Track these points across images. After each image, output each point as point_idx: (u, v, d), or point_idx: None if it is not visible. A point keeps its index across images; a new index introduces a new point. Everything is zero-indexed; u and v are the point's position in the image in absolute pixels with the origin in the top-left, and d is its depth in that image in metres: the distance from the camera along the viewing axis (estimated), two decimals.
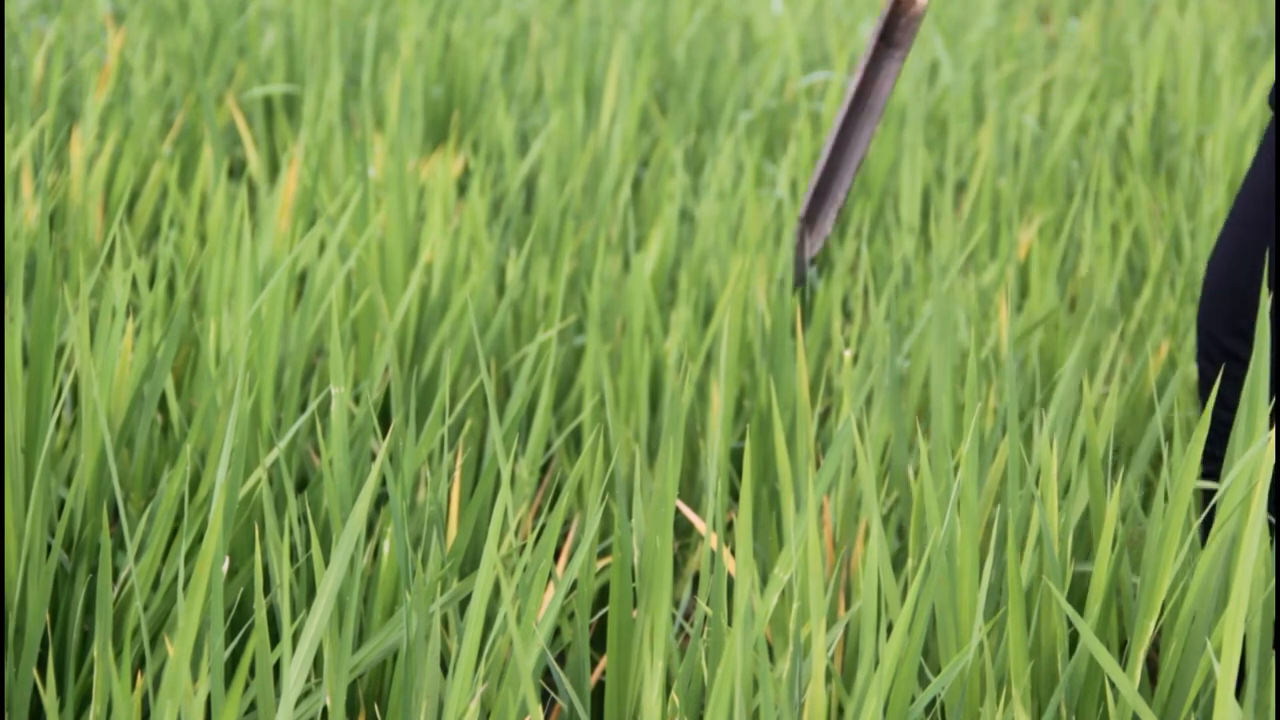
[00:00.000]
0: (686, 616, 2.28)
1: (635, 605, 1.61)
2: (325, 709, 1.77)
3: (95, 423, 1.77)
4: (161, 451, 2.00)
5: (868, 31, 5.17)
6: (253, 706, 1.70)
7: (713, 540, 1.68)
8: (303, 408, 2.24)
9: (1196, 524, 1.63)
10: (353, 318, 2.36)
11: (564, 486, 2.10)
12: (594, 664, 2.12)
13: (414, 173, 3.02)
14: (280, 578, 1.63)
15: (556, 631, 2.04)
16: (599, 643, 2.20)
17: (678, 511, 2.26)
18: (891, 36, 2.01)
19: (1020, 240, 3.11)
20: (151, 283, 2.61)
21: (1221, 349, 1.98)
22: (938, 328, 2.04)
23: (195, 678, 1.61)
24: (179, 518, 1.86)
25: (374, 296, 2.38)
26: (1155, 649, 2.14)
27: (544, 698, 2.01)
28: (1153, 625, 1.58)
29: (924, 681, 1.78)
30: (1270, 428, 1.75)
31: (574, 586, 2.00)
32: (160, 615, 1.75)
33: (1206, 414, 1.61)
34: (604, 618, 2.22)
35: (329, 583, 1.51)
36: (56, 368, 2.12)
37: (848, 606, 1.95)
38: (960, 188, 3.71)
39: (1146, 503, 2.34)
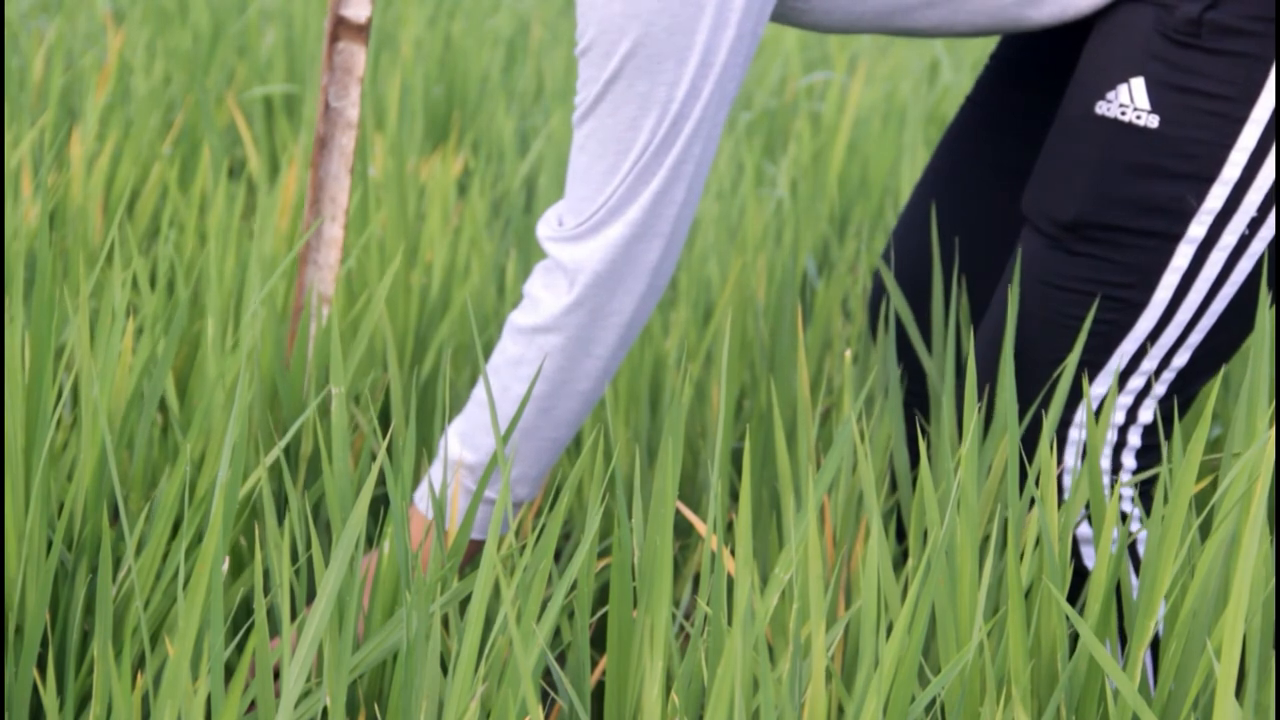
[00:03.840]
0: (687, 616, 2.28)
1: (635, 605, 1.61)
2: (325, 709, 1.77)
3: (95, 423, 1.76)
4: (161, 451, 2.00)
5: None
6: (253, 706, 1.70)
7: (713, 540, 1.68)
8: (302, 407, 2.24)
9: (1196, 524, 1.63)
10: (352, 318, 2.36)
11: (564, 487, 2.10)
12: (594, 664, 2.12)
13: (414, 173, 3.02)
14: (280, 577, 1.63)
15: (556, 631, 2.04)
16: (599, 642, 2.20)
17: (678, 511, 2.26)
18: None
19: None
20: (152, 283, 2.61)
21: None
22: (938, 327, 2.04)
23: (195, 678, 1.61)
24: (179, 518, 1.86)
25: (374, 297, 2.38)
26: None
27: (544, 697, 2.01)
28: (1153, 625, 1.58)
29: (924, 681, 1.78)
30: (1270, 427, 1.75)
31: (574, 586, 2.00)
32: (160, 615, 1.75)
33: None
34: (604, 618, 2.22)
35: (329, 583, 1.51)
36: (56, 368, 2.12)
37: (848, 606, 1.95)
38: None
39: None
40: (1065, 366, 1.80)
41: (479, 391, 1.87)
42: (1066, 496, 1.81)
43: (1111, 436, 1.85)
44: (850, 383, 1.95)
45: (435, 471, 1.87)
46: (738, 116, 4.02)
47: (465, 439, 1.86)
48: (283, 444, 1.72)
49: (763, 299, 2.70)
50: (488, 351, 2.52)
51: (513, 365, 1.83)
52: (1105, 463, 1.86)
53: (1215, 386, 1.67)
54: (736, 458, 2.41)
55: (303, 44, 3.92)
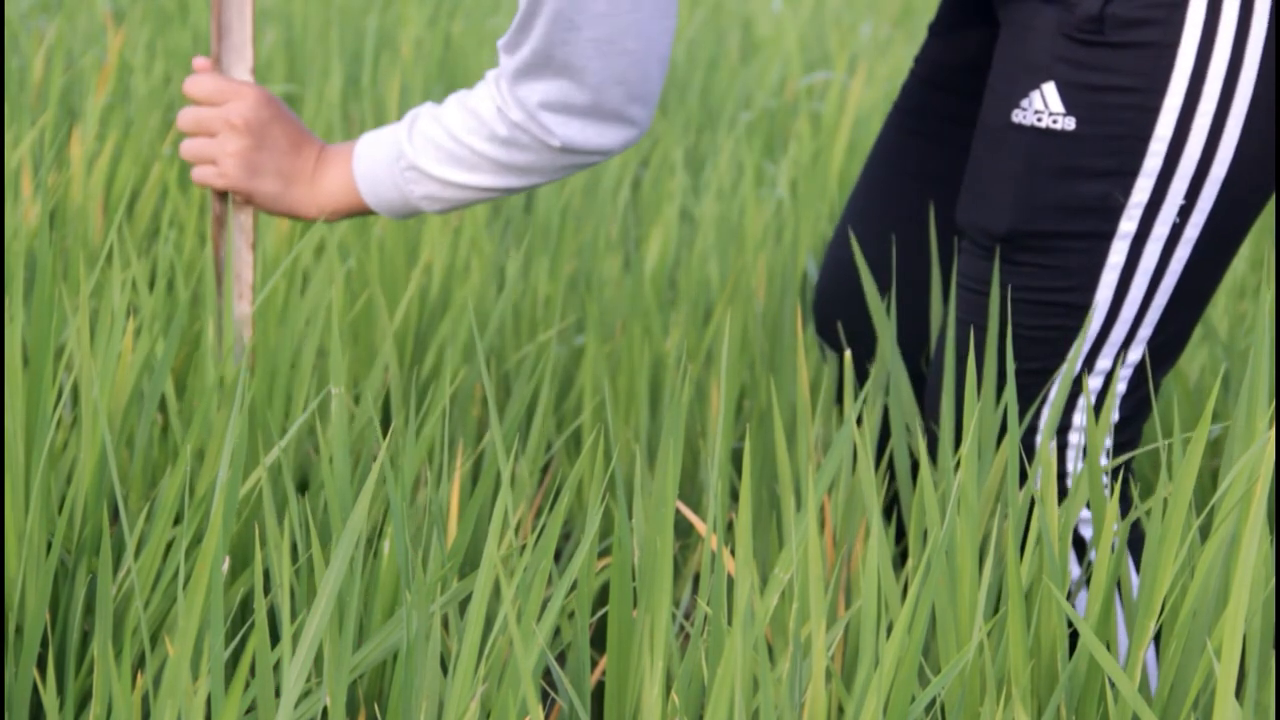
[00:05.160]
0: (687, 616, 2.28)
1: (635, 605, 1.61)
2: (325, 709, 1.77)
3: (95, 423, 1.77)
4: (161, 451, 2.00)
5: (866, 31, 5.17)
6: (253, 706, 1.70)
7: (713, 540, 1.68)
8: (303, 408, 2.25)
9: (1196, 524, 1.63)
10: (352, 318, 2.36)
11: (564, 487, 2.10)
12: (594, 664, 2.12)
13: None
14: (280, 578, 1.63)
15: (556, 631, 2.04)
16: (599, 642, 2.20)
17: (678, 511, 2.26)
18: None
19: None
20: (151, 283, 2.61)
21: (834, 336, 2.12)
22: (938, 326, 2.04)
23: (195, 678, 1.61)
24: (179, 518, 1.86)
25: (374, 297, 2.38)
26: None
27: (544, 697, 2.01)
28: (1153, 625, 1.58)
29: (924, 681, 1.78)
30: (1269, 428, 1.75)
31: (574, 586, 2.00)
32: (160, 615, 1.75)
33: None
34: (604, 618, 2.22)
35: (329, 583, 1.51)
36: (56, 368, 2.12)
37: (848, 606, 1.95)
38: None
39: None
40: (1059, 376, 1.80)
41: (449, 118, 1.92)
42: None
43: (1079, 440, 1.85)
44: (850, 383, 1.95)
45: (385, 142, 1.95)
46: (737, 116, 4.02)
47: (427, 147, 1.92)
48: (283, 443, 1.72)
49: (763, 299, 2.70)
50: (488, 352, 2.52)
51: (475, 129, 1.90)
52: (1078, 466, 1.87)
53: (1215, 386, 1.67)
54: (736, 458, 2.40)
55: (302, 44, 3.92)
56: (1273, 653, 1.62)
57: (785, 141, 4.04)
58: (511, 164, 1.90)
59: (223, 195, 2.00)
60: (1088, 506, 1.86)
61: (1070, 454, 1.85)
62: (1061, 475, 1.85)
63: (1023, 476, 1.85)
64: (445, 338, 2.38)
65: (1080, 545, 1.86)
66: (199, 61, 2.01)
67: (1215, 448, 2.51)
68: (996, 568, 1.74)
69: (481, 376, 2.40)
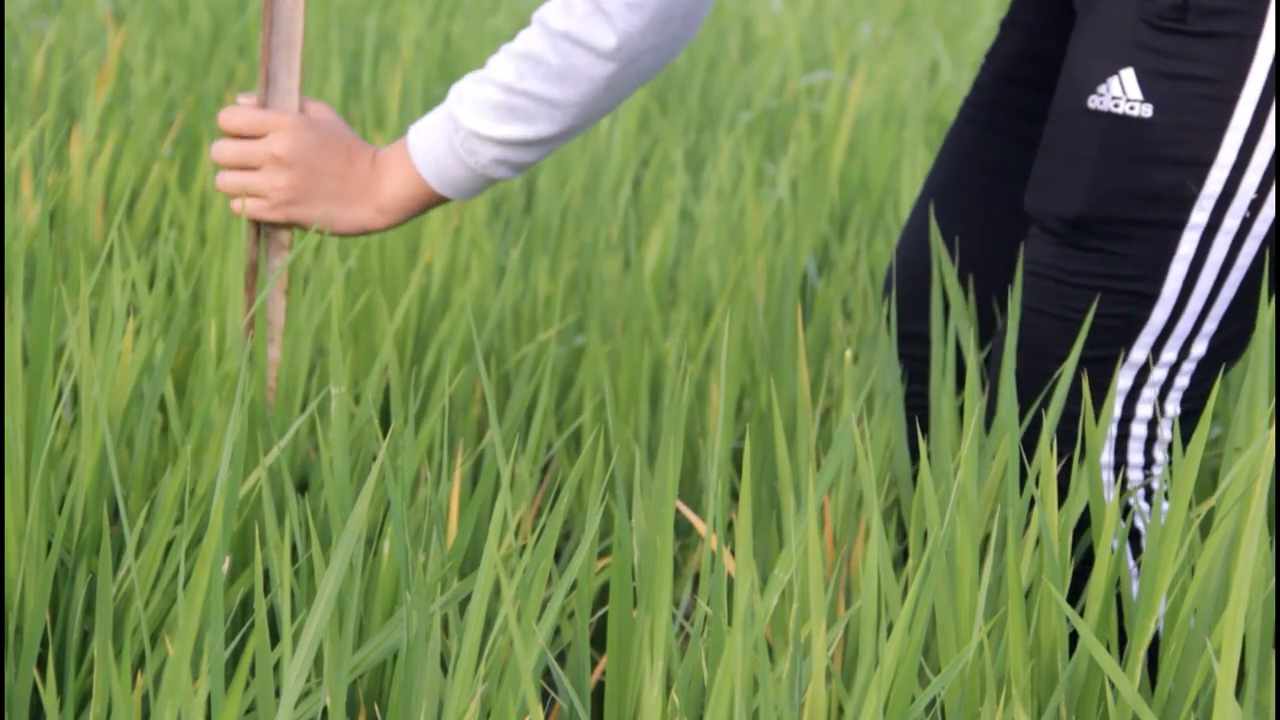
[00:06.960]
0: (686, 616, 2.28)
1: (635, 605, 1.61)
2: (325, 709, 1.77)
3: (95, 423, 1.76)
4: (161, 451, 2.00)
5: (866, 31, 5.17)
6: (253, 706, 1.70)
7: (713, 540, 1.68)
8: (302, 408, 2.25)
9: (1196, 524, 1.63)
10: (352, 318, 2.36)
11: (564, 487, 2.11)
12: (594, 664, 2.12)
13: None
14: (280, 578, 1.63)
15: (556, 631, 2.04)
16: (599, 642, 2.20)
17: (678, 511, 2.26)
18: None
19: None
20: (151, 283, 2.61)
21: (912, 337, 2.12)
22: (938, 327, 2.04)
23: (195, 678, 1.61)
24: (179, 518, 1.86)
25: (374, 296, 2.38)
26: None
27: (544, 697, 2.01)
28: (1153, 625, 1.58)
29: (924, 681, 1.78)
30: (1269, 428, 1.75)
31: (574, 586, 2.00)
32: (160, 615, 1.75)
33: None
34: (604, 618, 2.22)
35: (329, 583, 1.51)
36: (56, 368, 2.12)
37: (848, 606, 1.95)
38: None
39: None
40: (1127, 364, 1.81)
41: (498, 73, 1.88)
42: (1131, 487, 1.82)
43: (1141, 431, 1.85)
44: (850, 383, 1.95)
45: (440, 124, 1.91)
46: (737, 116, 4.02)
47: (482, 108, 1.89)
48: (283, 443, 1.72)
49: (763, 299, 2.70)
50: (487, 352, 2.52)
51: (533, 63, 1.87)
52: (1138, 457, 1.86)
53: (1215, 386, 1.67)
54: (736, 458, 2.40)
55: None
56: (1273, 653, 1.62)
57: (785, 141, 4.04)
58: (566, 100, 1.86)
59: (257, 240, 1.98)
60: (1147, 499, 1.87)
61: (1132, 444, 1.85)
62: (1121, 465, 1.85)
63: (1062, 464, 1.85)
64: (445, 338, 2.38)
65: (1135, 539, 1.86)
66: (242, 97, 1.97)
67: (1215, 448, 2.51)
68: (996, 567, 1.74)
69: (481, 376, 2.41)
